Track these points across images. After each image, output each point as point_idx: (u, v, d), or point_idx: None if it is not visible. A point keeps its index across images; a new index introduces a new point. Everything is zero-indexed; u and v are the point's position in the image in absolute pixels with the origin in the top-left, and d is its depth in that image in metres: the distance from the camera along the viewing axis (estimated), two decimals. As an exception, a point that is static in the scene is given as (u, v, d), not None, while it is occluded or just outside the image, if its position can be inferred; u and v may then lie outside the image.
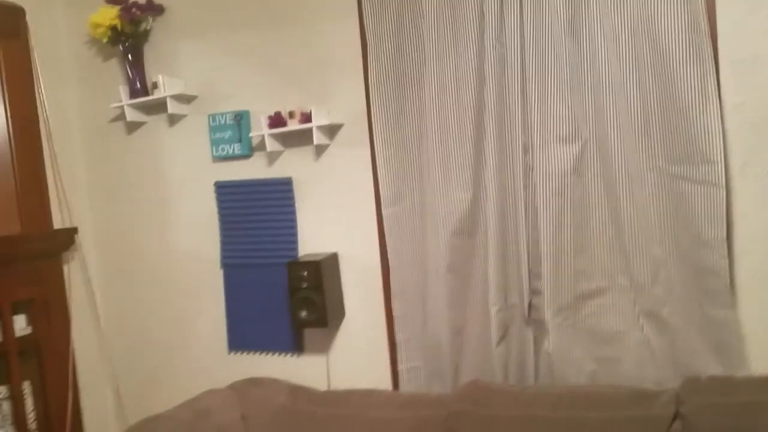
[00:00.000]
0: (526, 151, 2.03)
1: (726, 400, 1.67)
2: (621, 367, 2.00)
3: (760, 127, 1.82)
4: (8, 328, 2.34)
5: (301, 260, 2.34)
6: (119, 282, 2.75)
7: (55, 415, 2.50)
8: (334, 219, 2.38)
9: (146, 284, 2.71)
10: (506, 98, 2.03)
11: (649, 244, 1.94)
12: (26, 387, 2.42)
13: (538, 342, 2.09)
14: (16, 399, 2.36)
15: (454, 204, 2.12)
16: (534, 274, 2.06)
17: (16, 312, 2.39)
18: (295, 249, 2.44)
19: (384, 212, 2.22)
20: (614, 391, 1.84)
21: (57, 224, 2.59)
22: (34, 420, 2.43)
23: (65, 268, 2.62)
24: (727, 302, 1.85)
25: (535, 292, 2.08)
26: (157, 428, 2.04)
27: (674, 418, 1.70)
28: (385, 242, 2.26)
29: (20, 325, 2.40)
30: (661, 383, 1.91)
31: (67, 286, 2.60)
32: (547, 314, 2.03)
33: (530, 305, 2.09)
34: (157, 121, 2.61)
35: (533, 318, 2.09)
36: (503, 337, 2.12)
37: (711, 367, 1.86)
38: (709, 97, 1.82)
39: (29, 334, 2.43)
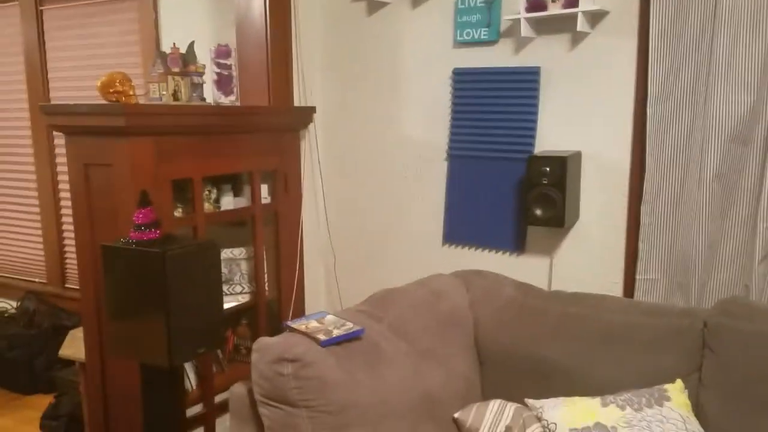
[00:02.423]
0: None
1: None
2: None
3: None
4: (256, 193, 2.51)
5: (543, 155, 2.26)
6: (345, 163, 2.84)
7: (285, 280, 2.70)
8: (581, 115, 2.26)
9: (369, 168, 2.78)
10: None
11: None
12: (264, 252, 2.62)
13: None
14: (256, 260, 2.57)
15: (734, 106, 1.92)
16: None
17: (262, 182, 2.57)
18: (532, 145, 2.37)
19: (648, 110, 2.06)
20: None
21: (296, 102, 2.70)
22: (266, 281, 2.64)
23: (302, 145, 2.75)
24: None
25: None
26: (399, 299, 2.12)
27: None
28: (639, 144, 2.11)
29: (264, 193, 2.58)
30: None
31: (302, 162, 2.74)
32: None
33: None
34: (400, 3, 2.58)
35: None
36: (767, 256, 1.94)
37: None
38: None
39: (269, 204, 2.61)
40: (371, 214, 2.81)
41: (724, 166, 1.97)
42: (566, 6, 2.13)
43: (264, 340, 1.75)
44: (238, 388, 1.85)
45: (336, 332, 1.86)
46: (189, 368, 2.39)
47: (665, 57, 2.02)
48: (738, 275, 2.00)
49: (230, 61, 2.50)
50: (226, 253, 2.55)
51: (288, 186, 2.66)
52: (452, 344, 2.14)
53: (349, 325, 1.92)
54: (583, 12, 2.10)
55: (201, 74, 2.40)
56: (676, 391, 1.79)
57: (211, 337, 1.92)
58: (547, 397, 1.87)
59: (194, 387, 2.41)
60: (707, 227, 2.03)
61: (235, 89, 2.54)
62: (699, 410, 1.78)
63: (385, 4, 2.61)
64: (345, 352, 1.83)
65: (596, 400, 1.81)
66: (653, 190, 2.11)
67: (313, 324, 1.89)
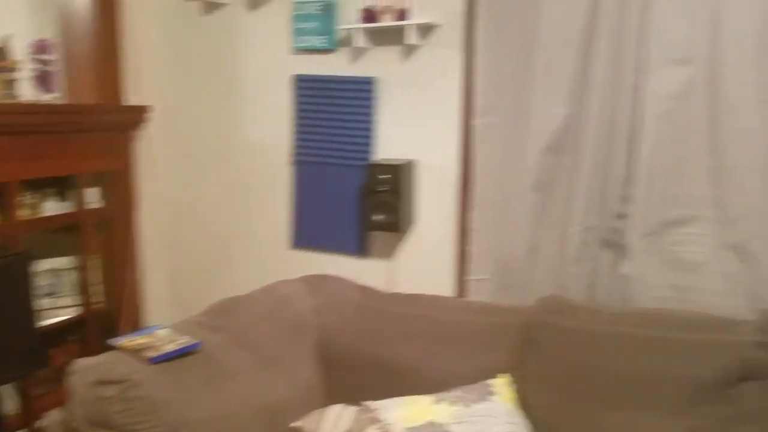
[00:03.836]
0: (637, 70, 1.97)
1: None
2: (695, 296, 2.02)
3: None
4: (81, 197, 2.34)
5: (380, 163, 2.33)
6: (187, 166, 2.74)
7: (119, 290, 2.55)
8: (415, 125, 2.34)
9: (213, 171, 2.70)
10: (622, 14, 1.95)
11: (747, 178, 1.92)
12: (95, 260, 2.45)
13: (614, 265, 2.11)
14: (84, 269, 2.40)
15: (550, 119, 2.09)
16: (623, 198, 2.06)
17: (91, 185, 2.39)
18: (372, 152, 2.42)
19: (476, 122, 2.19)
20: (698, 316, 1.88)
21: (132, 101, 2.55)
22: (102, 292, 2.48)
23: (136, 146, 2.59)
24: (818, 241, 1.86)
25: (620, 215, 2.08)
26: (241, 307, 2.08)
27: (758, 346, 1.74)
28: (466, 153, 2.24)
29: (94, 197, 2.41)
30: (734, 314, 1.94)
31: (136, 164, 2.59)
32: (632, 238, 2.04)
33: (613, 229, 2.09)
34: (238, 5, 2.52)
35: (614, 241, 2.10)
36: (580, 257, 2.14)
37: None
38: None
39: (101, 208, 2.44)
40: (216, 219, 2.74)
41: (540, 175, 2.13)
42: (397, 18, 2.21)
43: (82, 362, 1.63)
44: (55, 416, 1.71)
45: (169, 347, 1.78)
46: (10, 391, 2.18)
47: (490, 71, 2.15)
48: (555, 276, 2.17)
49: (50, 56, 2.31)
50: (49, 264, 2.35)
51: (121, 189, 2.50)
52: (297, 351, 2.14)
53: (185, 338, 1.85)
54: (413, 25, 2.19)
55: (16, 70, 2.19)
56: (503, 386, 1.92)
57: (29, 358, 1.76)
58: (391, 398, 1.92)
59: (17, 411, 2.20)
60: (529, 232, 2.19)
61: (57, 86, 2.35)
62: (525, 403, 1.90)
63: (221, 5, 2.53)
64: (179, 369, 1.76)
65: (430, 398, 1.89)
66: (482, 197, 2.24)
67: (143, 340, 1.80)
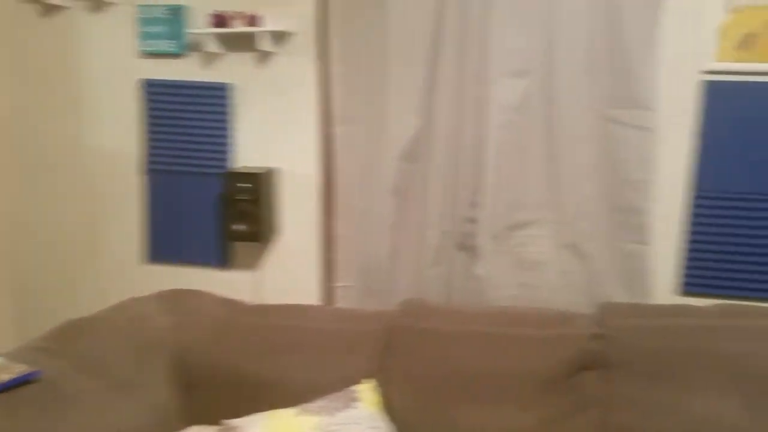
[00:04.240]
0: (478, 81, 2.07)
1: (644, 322, 1.89)
2: (540, 293, 2.17)
3: (689, 79, 1.98)
4: None
5: (239, 171, 2.27)
6: (24, 176, 2.51)
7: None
8: (275, 132, 2.31)
9: (53, 183, 2.50)
10: (466, 26, 2.04)
11: (579, 182, 2.09)
12: None
13: (469, 267, 2.21)
14: None
15: (404, 128, 2.14)
16: (473, 203, 2.16)
17: None
18: (229, 160, 2.36)
19: (336, 130, 2.20)
20: (542, 312, 2.01)
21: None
22: None
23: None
24: (642, 239, 2.06)
25: (471, 220, 2.18)
26: (87, 329, 1.94)
27: (593, 337, 1.89)
28: (327, 161, 2.25)
29: None
30: (574, 308, 2.09)
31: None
32: (482, 241, 2.15)
33: (465, 232, 2.19)
34: (78, 8, 2.35)
35: (467, 244, 2.20)
36: (437, 260, 2.22)
37: (620, 296, 2.08)
38: (652, 46, 1.94)
39: None
40: (60, 233, 2.54)
41: (398, 182, 2.19)
42: (248, 24, 2.16)
43: None
44: None
45: (2, 378, 1.62)
46: None
47: (345, 80, 2.16)
48: (416, 279, 2.24)
49: None
50: None
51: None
52: (153, 373, 2.02)
53: (22, 367, 1.69)
54: (265, 32, 2.16)
55: None
56: (368, 391, 1.94)
57: None
58: (254, 414, 1.88)
59: None
60: (389, 238, 2.23)
61: None
62: (388, 407, 1.93)
63: (60, 7, 2.35)
64: (14, 400, 1.61)
65: (294, 411, 1.87)
66: (345, 204, 2.26)
67: (-29, 373, 1.62)
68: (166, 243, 2.47)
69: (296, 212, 2.35)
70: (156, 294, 2.24)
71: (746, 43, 1.88)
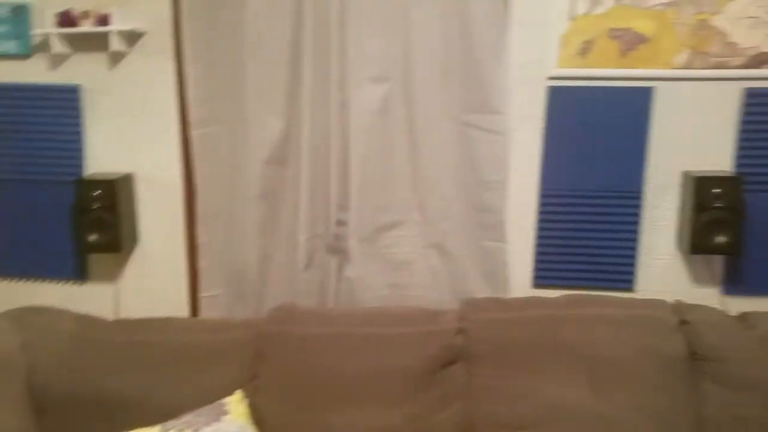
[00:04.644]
0: (340, 86, 2.08)
1: (501, 315, 1.99)
2: (409, 292, 2.23)
3: (537, 85, 2.10)
4: None
5: (92, 178, 2.13)
6: None
7: None
8: (131, 136, 2.20)
9: None
10: (325, 31, 2.05)
11: (440, 184, 2.16)
12: None
13: (340, 270, 2.23)
14: None
15: (268, 131, 2.12)
16: (341, 206, 2.18)
17: None
18: (81, 166, 2.22)
19: (194, 133, 2.12)
20: (409, 311, 2.07)
21: None
22: None
23: None
24: (500, 237, 2.17)
25: (340, 223, 2.19)
26: None
27: (457, 332, 1.98)
28: (189, 165, 2.17)
29: None
30: (441, 305, 2.17)
31: None
32: (351, 244, 2.18)
33: (335, 235, 2.21)
34: None
35: (337, 247, 2.22)
36: (309, 264, 2.21)
37: (483, 292, 2.17)
38: (501, 54, 2.05)
39: None
40: None
41: (265, 186, 2.15)
42: (98, 24, 2.05)
43: None
44: None
45: None
46: None
47: (203, 81, 2.10)
48: (288, 284, 2.22)
49: None
50: None
51: None
52: (1, 398, 1.87)
53: None
54: (116, 31, 2.05)
55: None
56: (236, 402, 1.90)
57: None
58: (113, 435, 1.79)
59: None
60: (258, 243, 2.20)
61: None
62: (258, 417, 1.90)
63: None
64: None
65: (156, 429, 1.80)
66: (207, 210, 2.19)
67: None
68: (13, 257, 2.28)
69: (158, 219, 2.25)
70: (3, 313, 2.07)
71: (585, 50, 2.04)
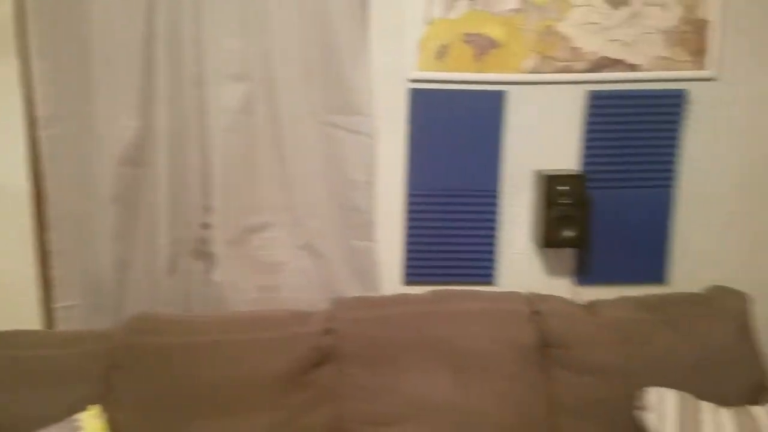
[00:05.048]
0: (198, 84, 2.02)
1: (369, 313, 2.01)
2: (280, 294, 2.20)
3: (399, 87, 2.14)
4: None
5: None
6: None
7: None
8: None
9: None
10: (179, 28, 1.98)
11: (308, 184, 2.14)
12: None
13: (207, 274, 2.16)
14: None
15: (121, 131, 2.02)
16: (205, 208, 2.12)
17: None
18: None
19: (42, 134, 1.99)
20: (276, 314, 2.04)
21: None
22: None
23: None
24: (368, 236, 2.19)
25: (205, 225, 2.13)
26: None
27: (325, 333, 1.98)
28: (37, 168, 2.03)
29: None
30: (314, 306, 2.17)
31: None
32: (218, 247, 2.12)
33: (200, 239, 2.14)
34: None
35: (203, 251, 2.15)
36: (172, 270, 2.13)
37: (354, 290, 2.18)
38: (361, 57, 2.07)
39: None
40: None
41: (120, 188, 2.05)
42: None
43: None
44: None
45: None
46: None
47: (48, 79, 1.97)
48: (149, 291, 2.13)
49: None
50: None
51: None
52: None
53: None
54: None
55: None
56: (89, 418, 1.80)
57: None
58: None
59: None
60: (115, 248, 2.09)
61: None
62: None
63: None
64: None
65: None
66: (58, 216, 2.06)
67: None
68: None
69: (4, 226, 2.09)
70: None
71: (442, 54, 2.10)
